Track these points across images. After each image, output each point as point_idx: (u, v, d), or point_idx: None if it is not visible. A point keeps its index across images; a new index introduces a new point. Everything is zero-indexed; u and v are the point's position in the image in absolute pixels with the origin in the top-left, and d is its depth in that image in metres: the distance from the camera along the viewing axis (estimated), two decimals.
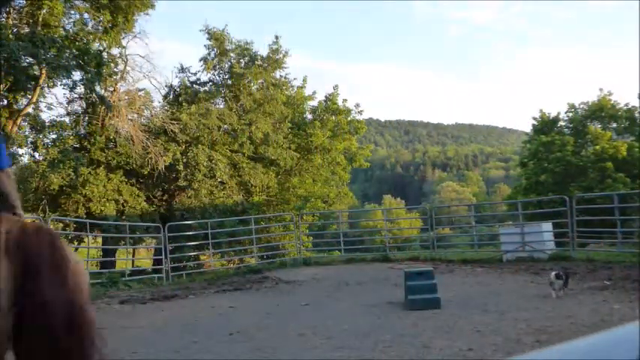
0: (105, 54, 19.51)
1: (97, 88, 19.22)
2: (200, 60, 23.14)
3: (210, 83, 23.78)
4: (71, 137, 19.97)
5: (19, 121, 18.34)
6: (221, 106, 23.28)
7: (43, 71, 17.19)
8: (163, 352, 6.38)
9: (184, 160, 20.41)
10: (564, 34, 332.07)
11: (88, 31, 19.11)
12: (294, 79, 26.38)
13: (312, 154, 25.70)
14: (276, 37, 23.86)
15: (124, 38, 20.68)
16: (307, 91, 26.94)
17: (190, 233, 16.93)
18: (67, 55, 17.61)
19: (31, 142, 19.60)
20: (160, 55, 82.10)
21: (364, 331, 6.88)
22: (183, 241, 17.10)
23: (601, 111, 30.24)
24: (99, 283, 12.27)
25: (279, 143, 23.11)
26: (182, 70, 23.26)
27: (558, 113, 32.23)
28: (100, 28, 19.50)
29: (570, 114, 31.57)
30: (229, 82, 23.39)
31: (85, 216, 18.27)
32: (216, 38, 22.77)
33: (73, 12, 18.96)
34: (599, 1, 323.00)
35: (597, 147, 28.97)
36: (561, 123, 31.96)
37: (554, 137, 29.54)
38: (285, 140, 23.86)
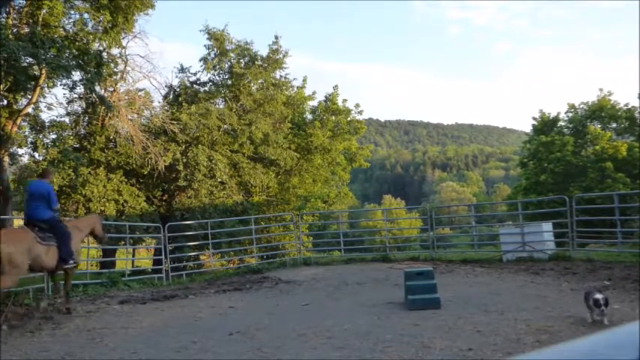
0: (105, 54, 19.48)
1: (97, 88, 19.17)
2: (200, 60, 23.13)
3: (210, 83, 23.77)
4: (71, 137, 19.94)
5: (19, 121, 18.30)
6: (221, 106, 23.24)
7: (43, 71, 17.16)
8: (163, 352, 6.38)
9: (184, 160, 20.40)
10: (564, 34, 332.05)
11: (88, 31, 19.07)
12: (294, 79, 26.40)
13: (312, 154, 25.70)
14: (276, 37, 23.87)
15: (124, 38, 20.64)
16: (307, 91, 26.98)
17: (190, 233, 16.91)
18: (67, 55, 17.58)
19: (31, 142, 19.58)
20: (160, 55, 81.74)
21: (364, 331, 6.87)
22: (183, 241, 17.10)
23: (601, 111, 30.26)
24: (99, 283, 12.26)
25: (279, 143, 23.09)
26: (182, 70, 23.26)
27: (558, 113, 32.37)
28: (100, 28, 19.45)
29: (570, 114, 31.61)
30: (229, 82, 23.35)
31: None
32: (216, 38, 22.75)
33: (73, 12, 18.92)
34: (599, 1, 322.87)
35: (597, 147, 29.00)
36: (561, 123, 32.01)
37: (554, 137, 29.56)
38: (285, 140, 23.84)
